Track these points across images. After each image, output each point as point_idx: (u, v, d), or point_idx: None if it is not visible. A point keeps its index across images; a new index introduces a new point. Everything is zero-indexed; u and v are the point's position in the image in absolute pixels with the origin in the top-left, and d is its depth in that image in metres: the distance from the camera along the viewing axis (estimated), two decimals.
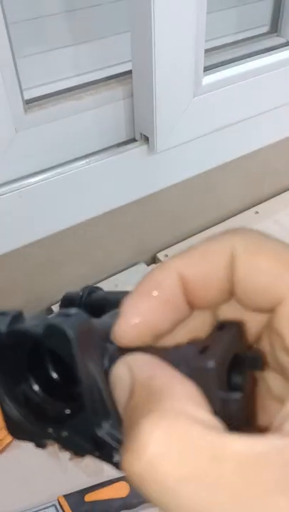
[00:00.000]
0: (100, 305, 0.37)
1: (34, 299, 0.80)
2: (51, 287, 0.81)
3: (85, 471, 0.61)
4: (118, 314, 0.19)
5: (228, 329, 0.20)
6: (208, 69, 0.74)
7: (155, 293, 0.19)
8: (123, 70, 0.72)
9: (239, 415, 0.19)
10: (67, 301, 0.38)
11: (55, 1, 0.68)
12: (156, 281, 0.19)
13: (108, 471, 0.61)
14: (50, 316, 0.21)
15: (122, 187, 0.74)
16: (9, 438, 0.64)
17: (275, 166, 1.00)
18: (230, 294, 0.20)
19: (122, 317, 0.19)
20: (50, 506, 0.58)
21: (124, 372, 0.18)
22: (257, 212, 0.99)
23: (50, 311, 0.82)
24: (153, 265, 0.89)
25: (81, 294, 0.38)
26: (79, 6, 0.70)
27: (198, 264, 0.19)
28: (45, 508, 0.58)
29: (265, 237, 0.20)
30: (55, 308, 0.81)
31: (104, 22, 0.72)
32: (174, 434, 0.15)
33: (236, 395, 0.18)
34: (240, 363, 0.19)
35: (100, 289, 0.39)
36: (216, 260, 0.19)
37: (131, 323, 0.19)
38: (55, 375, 0.20)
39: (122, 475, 0.59)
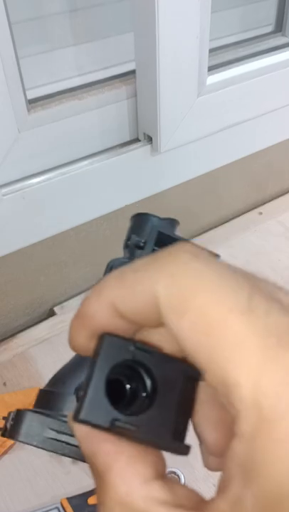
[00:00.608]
0: None
1: (37, 300, 0.80)
2: (54, 288, 0.81)
3: (88, 474, 0.61)
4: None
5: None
6: (212, 69, 0.73)
7: (92, 323, 0.20)
8: (126, 70, 0.72)
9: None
10: None
11: (58, 0, 0.67)
12: (91, 310, 0.20)
13: None
14: None
15: (125, 187, 0.74)
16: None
17: (279, 166, 0.99)
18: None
19: (69, 339, 0.21)
20: (53, 509, 0.57)
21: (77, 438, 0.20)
22: (261, 213, 0.98)
23: (52, 312, 0.81)
24: None
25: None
26: (82, 5, 0.69)
27: (128, 300, 0.19)
28: (48, 511, 0.57)
29: (196, 275, 0.18)
30: (58, 309, 0.81)
31: (107, 21, 0.72)
32: None
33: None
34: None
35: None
36: (143, 301, 0.19)
37: (76, 348, 0.21)
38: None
39: None
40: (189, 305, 0.18)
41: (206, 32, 0.67)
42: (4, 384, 0.70)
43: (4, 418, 0.26)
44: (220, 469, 0.20)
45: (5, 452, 0.63)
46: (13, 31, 0.58)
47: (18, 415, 0.25)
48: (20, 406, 0.66)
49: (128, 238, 0.33)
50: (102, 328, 0.20)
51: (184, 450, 0.20)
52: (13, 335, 0.77)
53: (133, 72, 0.70)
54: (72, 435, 0.22)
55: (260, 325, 0.17)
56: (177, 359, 0.20)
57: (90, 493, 0.58)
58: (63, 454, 0.25)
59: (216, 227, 0.95)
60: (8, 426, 0.25)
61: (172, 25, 0.62)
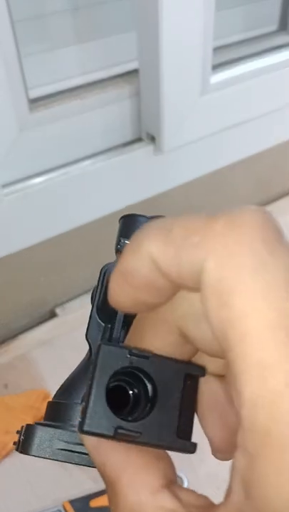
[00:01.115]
0: None
1: (38, 301, 0.79)
2: (55, 289, 0.80)
3: (90, 477, 0.60)
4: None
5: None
6: (216, 67, 0.73)
7: (134, 280, 0.19)
8: (129, 69, 0.72)
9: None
10: None
11: None
12: (132, 269, 0.18)
13: None
14: None
15: (128, 187, 0.73)
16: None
17: (284, 165, 0.99)
18: None
19: (110, 298, 0.20)
20: None
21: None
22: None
23: (53, 313, 0.81)
24: None
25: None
26: (84, 4, 0.69)
27: (172, 261, 0.17)
28: None
29: (255, 272, 0.16)
30: (59, 310, 0.80)
31: (110, 20, 0.72)
32: None
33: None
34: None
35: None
36: (188, 267, 0.17)
37: (119, 304, 0.20)
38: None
39: None
40: (235, 301, 0.16)
41: (209, 30, 0.66)
42: (5, 386, 0.70)
43: (18, 432, 0.27)
44: (227, 460, 0.20)
45: (7, 455, 0.63)
46: (15, 29, 0.57)
47: (28, 430, 0.25)
48: (22, 408, 0.65)
49: (118, 242, 0.33)
50: (145, 285, 0.18)
51: (190, 448, 0.20)
52: (14, 336, 0.77)
53: (136, 71, 0.69)
54: (82, 444, 0.22)
55: None
56: (176, 359, 0.20)
57: (92, 496, 0.58)
58: (76, 463, 0.25)
59: None
60: (20, 441, 0.26)
61: (176, 24, 0.61)
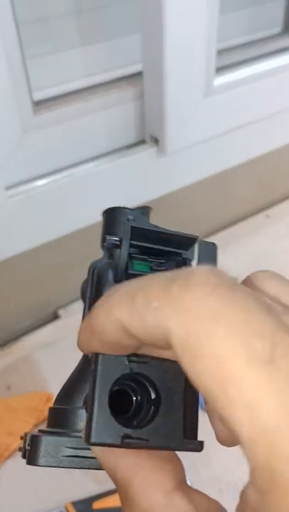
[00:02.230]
0: None
1: (41, 302, 0.79)
2: (58, 291, 0.80)
3: (93, 478, 0.60)
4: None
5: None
6: (220, 70, 0.73)
7: (102, 337, 0.20)
8: (132, 72, 0.72)
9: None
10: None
11: (64, 1, 0.67)
12: (102, 328, 0.20)
13: None
14: None
15: (131, 189, 0.73)
16: (17, 443, 0.63)
17: (286, 168, 0.99)
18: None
19: (78, 344, 0.22)
20: None
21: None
22: (268, 216, 0.98)
23: (56, 315, 0.81)
24: None
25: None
26: (88, 6, 0.69)
27: (138, 326, 0.18)
28: None
29: (213, 316, 0.17)
30: (62, 312, 0.80)
31: (114, 23, 0.72)
32: None
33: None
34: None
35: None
36: (154, 331, 0.18)
37: (85, 351, 0.21)
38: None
39: None
40: (204, 350, 0.16)
41: (213, 33, 0.66)
42: (8, 388, 0.70)
43: (22, 438, 0.27)
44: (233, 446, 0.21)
45: (10, 456, 0.63)
46: (19, 32, 0.57)
47: (34, 441, 0.25)
48: (25, 410, 0.65)
49: (103, 239, 0.32)
50: (111, 342, 0.20)
51: (198, 447, 0.20)
52: (16, 338, 0.77)
53: (139, 73, 0.69)
54: (89, 448, 0.22)
55: (282, 380, 0.15)
56: (174, 360, 0.20)
57: (95, 497, 0.58)
58: (85, 468, 0.25)
59: (222, 229, 0.94)
60: (27, 452, 0.25)
61: (180, 26, 0.61)
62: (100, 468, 0.22)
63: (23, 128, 0.62)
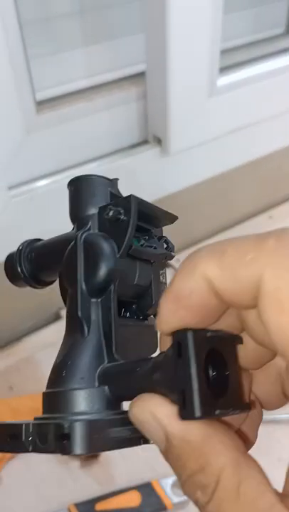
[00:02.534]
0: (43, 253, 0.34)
1: (43, 303, 0.79)
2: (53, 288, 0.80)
3: (96, 480, 0.60)
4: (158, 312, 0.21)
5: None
6: (223, 70, 0.73)
7: (188, 302, 0.20)
8: (136, 71, 0.72)
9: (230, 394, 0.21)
10: (8, 263, 0.35)
11: (67, 1, 0.67)
12: (187, 290, 0.20)
13: (120, 480, 0.60)
14: None
15: (134, 189, 0.73)
16: None
17: None
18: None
19: (160, 322, 0.21)
20: None
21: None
22: (271, 217, 0.97)
23: (59, 315, 0.81)
24: None
25: (20, 248, 0.35)
26: (91, 6, 0.69)
27: (228, 280, 0.19)
28: None
29: None
30: (64, 313, 0.80)
31: (117, 23, 0.72)
32: None
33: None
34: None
35: (37, 240, 0.35)
36: (244, 284, 0.19)
37: (165, 326, 0.21)
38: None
39: (134, 484, 0.58)
40: None
41: (217, 33, 0.66)
42: (10, 388, 0.69)
43: (24, 428, 0.25)
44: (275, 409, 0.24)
45: (12, 457, 0.62)
46: (23, 32, 0.57)
47: (75, 427, 0.22)
48: (27, 411, 0.65)
49: (106, 210, 0.29)
50: (199, 306, 0.20)
51: (250, 407, 0.22)
52: (19, 339, 0.77)
53: (142, 73, 0.69)
54: (130, 424, 0.22)
55: None
56: (226, 332, 0.22)
57: (98, 499, 0.57)
58: (133, 446, 0.24)
59: (225, 230, 0.94)
60: (35, 442, 0.23)
61: (183, 26, 0.61)
62: (147, 442, 0.22)
63: (26, 128, 0.62)
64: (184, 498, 0.57)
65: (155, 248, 0.30)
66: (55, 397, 0.26)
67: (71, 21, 0.68)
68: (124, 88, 0.70)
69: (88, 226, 0.29)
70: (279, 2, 0.84)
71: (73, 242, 0.29)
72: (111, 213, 0.29)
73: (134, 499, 0.57)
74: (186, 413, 0.19)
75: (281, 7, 0.84)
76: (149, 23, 0.63)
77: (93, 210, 0.30)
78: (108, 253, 0.28)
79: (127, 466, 0.61)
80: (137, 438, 0.23)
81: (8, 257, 0.35)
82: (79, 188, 0.32)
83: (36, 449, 0.23)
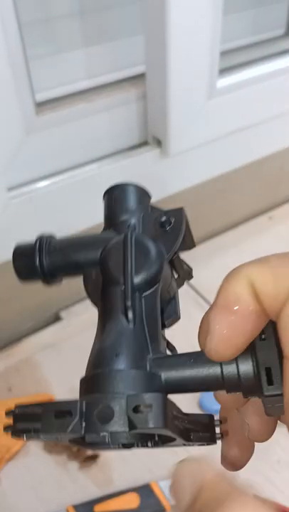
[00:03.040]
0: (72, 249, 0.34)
1: (43, 304, 0.79)
2: (60, 292, 0.80)
3: (95, 482, 0.60)
4: (207, 331, 0.22)
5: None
6: (223, 71, 0.73)
7: (238, 306, 0.21)
8: (135, 73, 0.72)
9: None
10: (20, 254, 0.35)
11: (67, 2, 0.67)
12: (233, 294, 0.21)
13: (118, 482, 0.60)
14: None
15: None
16: (18, 445, 0.63)
17: None
18: None
19: (211, 336, 0.21)
20: None
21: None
22: (271, 218, 0.97)
23: (58, 317, 0.81)
24: None
25: (39, 241, 0.34)
26: (91, 7, 0.69)
27: (269, 281, 0.20)
28: None
29: None
30: (64, 313, 0.80)
31: (117, 24, 0.72)
32: None
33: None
34: None
35: (53, 236, 0.35)
36: (285, 285, 0.20)
37: (220, 340, 0.21)
38: None
39: (133, 486, 0.58)
40: None
41: (217, 34, 0.66)
42: (9, 389, 0.69)
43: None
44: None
45: (11, 459, 0.62)
46: (22, 32, 0.57)
47: (156, 402, 0.22)
48: None
49: (121, 213, 0.32)
50: (247, 310, 0.21)
51: None
52: (18, 340, 0.77)
53: (142, 75, 0.69)
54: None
55: None
56: None
57: (97, 501, 0.57)
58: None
59: (225, 231, 0.94)
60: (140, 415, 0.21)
61: (183, 27, 0.61)
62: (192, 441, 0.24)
63: (26, 129, 0.62)
64: None
65: (187, 266, 0.32)
66: (105, 377, 0.24)
67: (71, 22, 0.68)
68: (124, 89, 0.70)
69: (133, 227, 0.31)
70: (279, 3, 0.84)
71: (116, 241, 0.30)
72: (163, 219, 0.31)
73: (132, 501, 0.57)
74: (272, 389, 0.22)
75: (281, 8, 0.84)
76: (148, 25, 0.63)
77: (135, 216, 0.32)
78: (159, 253, 0.29)
79: (126, 467, 0.61)
80: (188, 433, 0.24)
81: (19, 248, 0.35)
82: (125, 194, 0.35)
83: (92, 429, 0.22)
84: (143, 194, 0.34)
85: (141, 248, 0.29)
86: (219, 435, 0.25)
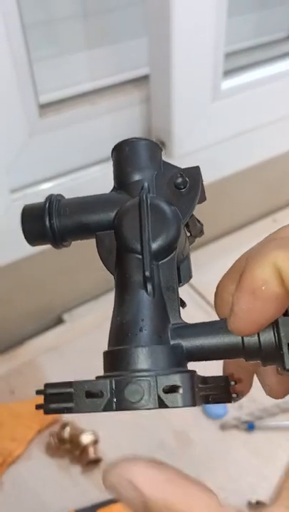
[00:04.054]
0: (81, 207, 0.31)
1: (45, 306, 0.79)
2: (63, 295, 0.80)
3: (97, 486, 0.59)
4: (231, 311, 0.22)
5: None
6: (227, 73, 0.72)
7: (262, 292, 0.21)
8: (139, 75, 0.71)
9: None
10: (29, 216, 0.33)
11: (70, 5, 0.67)
12: (260, 280, 0.21)
13: None
14: None
15: None
16: (20, 449, 0.62)
17: None
18: None
19: (235, 317, 0.22)
20: None
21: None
22: (275, 221, 0.97)
23: (61, 319, 0.80)
24: None
25: (48, 201, 0.31)
26: (95, 10, 0.69)
27: None
28: None
29: None
30: (67, 316, 0.80)
31: (120, 26, 0.72)
32: None
33: None
34: None
35: (62, 196, 0.32)
36: None
37: (244, 321, 0.22)
38: None
39: None
40: None
41: (221, 36, 0.66)
42: (12, 392, 0.69)
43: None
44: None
45: (13, 462, 0.62)
46: (26, 34, 0.57)
47: (185, 379, 0.22)
48: (28, 415, 0.65)
49: (132, 172, 0.29)
50: (274, 298, 0.21)
51: None
52: (21, 342, 0.76)
53: (145, 77, 0.69)
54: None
55: None
56: None
57: (99, 505, 0.57)
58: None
59: (229, 234, 0.94)
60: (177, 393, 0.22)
61: (187, 30, 0.61)
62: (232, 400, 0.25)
63: (29, 131, 0.62)
64: None
65: (199, 222, 0.31)
66: (131, 354, 0.24)
67: (74, 24, 0.68)
68: (128, 91, 0.70)
69: (148, 189, 0.29)
70: (282, 6, 0.84)
71: (131, 204, 0.28)
72: (179, 180, 0.29)
73: None
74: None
75: (284, 11, 0.84)
76: (152, 27, 0.63)
77: (147, 175, 0.30)
78: (177, 218, 0.28)
79: None
80: (208, 397, 0.24)
81: (28, 209, 0.32)
82: (136, 151, 0.32)
83: (123, 407, 0.22)
84: (155, 149, 0.32)
85: (157, 213, 0.27)
86: (235, 395, 0.26)
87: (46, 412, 0.24)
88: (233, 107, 0.73)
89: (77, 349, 0.72)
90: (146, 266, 0.26)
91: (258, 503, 0.56)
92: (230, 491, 0.58)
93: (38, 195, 0.64)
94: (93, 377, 0.25)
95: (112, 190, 0.32)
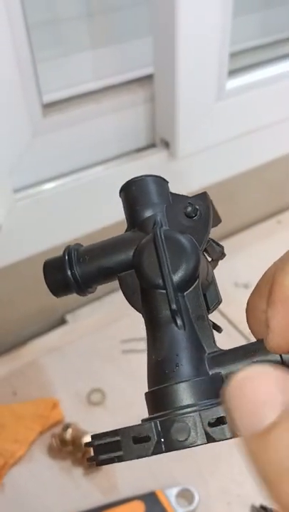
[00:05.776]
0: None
1: (48, 307, 0.79)
2: (66, 296, 0.79)
3: (99, 489, 0.59)
4: (266, 328, 0.22)
5: None
6: (232, 73, 0.72)
7: None
8: (143, 74, 0.71)
9: None
10: (50, 269, 0.34)
11: (75, 4, 0.67)
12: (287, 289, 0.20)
13: (123, 489, 0.59)
14: None
15: None
16: (22, 450, 0.62)
17: None
18: None
19: (272, 334, 0.21)
20: None
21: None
22: (279, 222, 0.96)
23: (63, 320, 0.80)
24: None
25: (67, 252, 0.32)
26: (99, 9, 0.69)
27: None
28: None
29: None
30: (69, 317, 0.79)
31: (124, 26, 0.71)
32: None
33: None
34: None
35: (80, 244, 0.33)
36: None
37: (283, 337, 0.21)
38: None
39: (138, 494, 0.57)
40: None
41: (226, 36, 0.65)
42: (14, 393, 0.69)
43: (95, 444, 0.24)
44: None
45: (15, 464, 0.62)
46: (30, 34, 0.57)
47: (220, 417, 0.22)
48: (30, 417, 0.64)
49: (142, 210, 0.30)
50: None
51: None
52: (23, 343, 0.76)
53: (150, 76, 0.68)
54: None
55: None
56: None
57: (101, 508, 0.56)
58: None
59: (233, 235, 0.93)
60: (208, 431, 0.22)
61: (192, 29, 0.61)
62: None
63: (33, 130, 0.62)
64: (189, 508, 0.56)
65: (218, 245, 0.31)
66: (172, 392, 0.24)
67: (79, 24, 0.68)
68: (132, 91, 0.69)
69: (160, 223, 0.29)
70: (287, 5, 0.83)
71: (146, 241, 0.28)
72: (189, 209, 0.29)
73: (137, 509, 0.56)
74: None
75: None
76: (157, 26, 0.62)
77: (158, 209, 0.30)
78: (193, 246, 0.28)
79: (131, 475, 0.60)
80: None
81: (48, 263, 0.34)
82: (143, 189, 0.32)
83: (172, 447, 0.22)
84: (161, 183, 0.32)
85: (174, 245, 0.27)
86: None
87: (98, 465, 0.24)
88: (237, 106, 0.73)
89: (80, 350, 0.72)
90: (172, 299, 0.26)
91: (262, 507, 0.56)
92: (234, 494, 0.58)
93: (41, 195, 0.64)
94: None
95: (126, 231, 0.32)
